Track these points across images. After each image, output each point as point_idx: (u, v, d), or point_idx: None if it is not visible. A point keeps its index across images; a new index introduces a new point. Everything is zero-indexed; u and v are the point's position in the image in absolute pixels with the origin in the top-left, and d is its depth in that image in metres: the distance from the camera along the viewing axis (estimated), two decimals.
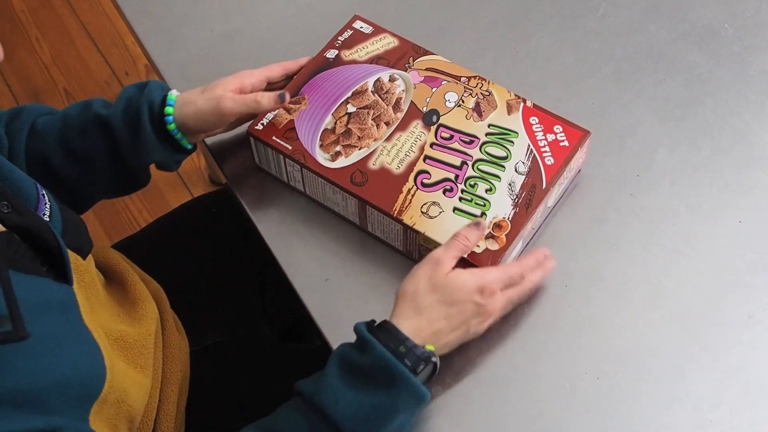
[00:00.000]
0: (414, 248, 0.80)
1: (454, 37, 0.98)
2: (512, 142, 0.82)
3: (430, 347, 0.70)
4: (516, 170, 0.80)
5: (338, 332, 0.78)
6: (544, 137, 0.82)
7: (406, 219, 0.78)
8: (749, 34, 0.97)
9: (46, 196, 0.72)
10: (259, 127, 0.85)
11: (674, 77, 0.93)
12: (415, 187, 0.80)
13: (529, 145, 0.82)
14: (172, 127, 0.82)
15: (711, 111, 0.91)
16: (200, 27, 1.00)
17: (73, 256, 0.70)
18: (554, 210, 0.84)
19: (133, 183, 0.88)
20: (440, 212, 0.78)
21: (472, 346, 0.77)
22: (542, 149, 0.81)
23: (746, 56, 0.95)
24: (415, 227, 0.78)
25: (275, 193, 0.88)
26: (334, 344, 0.77)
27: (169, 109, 0.81)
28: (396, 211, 0.78)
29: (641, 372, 0.75)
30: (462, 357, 0.76)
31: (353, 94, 0.86)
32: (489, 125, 0.83)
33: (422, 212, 0.78)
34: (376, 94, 0.86)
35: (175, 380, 0.85)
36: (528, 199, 0.78)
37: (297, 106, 0.86)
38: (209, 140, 0.93)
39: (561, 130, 0.82)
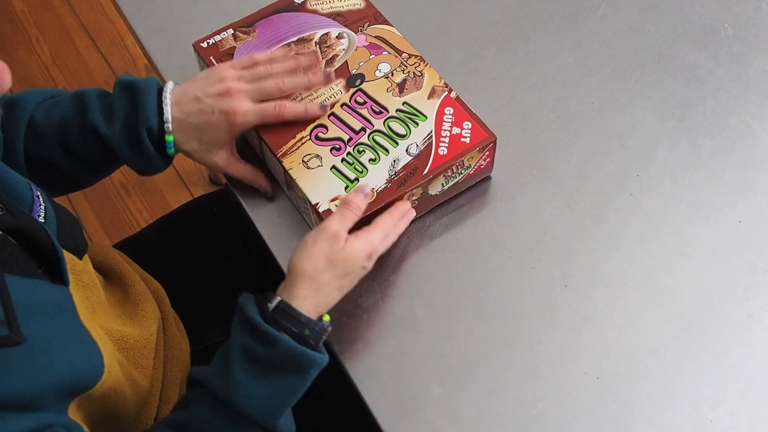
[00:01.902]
0: (293, 196, 0.83)
1: (454, 37, 0.98)
2: (417, 124, 0.83)
3: (326, 318, 0.73)
4: (407, 150, 0.81)
5: (337, 331, 0.78)
6: (449, 129, 0.82)
7: (286, 162, 0.81)
8: (749, 34, 0.97)
9: (41, 197, 0.71)
10: (204, 44, 0.90)
11: (674, 77, 0.93)
12: (308, 137, 0.82)
13: (431, 132, 0.82)
14: (171, 152, 0.82)
15: (711, 111, 0.91)
16: (200, 27, 0.99)
17: (69, 257, 0.70)
18: (553, 209, 0.84)
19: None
20: (318, 166, 0.81)
21: (472, 346, 0.77)
22: (442, 138, 0.81)
23: (746, 56, 0.95)
24: (290, 172, 0.80)
25: (275, 192, 0.88)
26: (333, 344, 0.77)
27: (170, 138, 0.80)
28: (281, 153, 0.81)
29: (641, 372, 0.75)
30: (462, 357, 0.76)
31: (298, 40, 0.89)
32: (404, 103, 0.84)
33: (303, 161, 0.81)
34: (317, 46, 0.89)
35: (176, 380, 0.85)
36: (404, 179, 0.79)
37: (245, 36, 0.90)
38: None
39: (469, 127, 0.82)
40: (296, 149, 0.82)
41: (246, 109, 0.79)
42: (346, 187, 0.79)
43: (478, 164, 0.83)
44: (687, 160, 0.87)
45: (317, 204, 0.79)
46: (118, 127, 0.79)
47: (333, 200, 0.79)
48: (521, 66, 0.96)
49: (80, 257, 0.73)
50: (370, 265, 0.75)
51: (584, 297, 0.79)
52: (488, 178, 0.87)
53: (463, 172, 0.82)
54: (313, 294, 0.72)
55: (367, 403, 0.75)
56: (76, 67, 2.01)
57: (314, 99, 0.85)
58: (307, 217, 0.83)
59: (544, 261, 0.81)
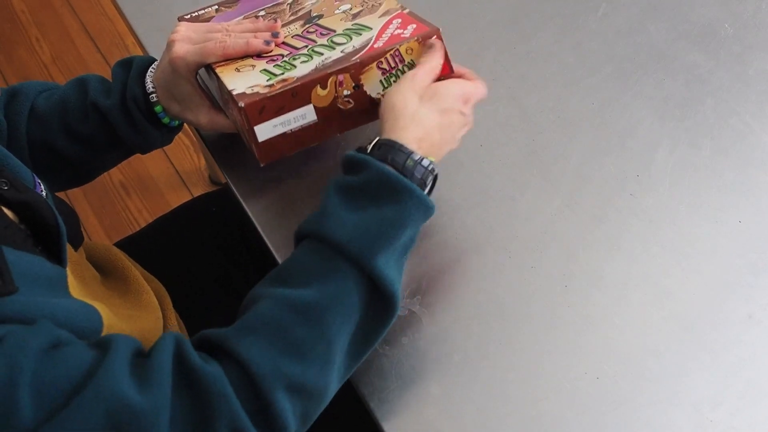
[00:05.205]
0: (232, 116, 0.79)
1: (454, 37, 0.98)
2: (360, 34, 0.78)
3: (431, 158, 0.68)
4: (342, 52, 0.76)
5: None
6: (392, 31, 0.78)
7: (219, 70, 0.77)
8: (749, 34, 0.97)
9: (41, 184, 0.72)
10: (187, 16, 0.90)
11: (674, 77, 0.94)
12: (250, 58, 0.79)
13: (372, 37, 0.77)
14: (166, 120, 0.84)
15: (711, 111, 0.91)
16: None
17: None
18: (553, 209, 0.84)
19: (137, 153, 0.90)
20: (249, 70, 0.77)
21: (472, 346, 0.77)
22: (381, 38, 0.77)
23: (746, 56, 0.95)
24: (219, 74, 0.77)
25: (275, 192, 0.88)
26: None
27: (158, 108, 0.83)
28: (217, 66, 0.78)
29: (641, 372, 0.75)
30: (462, 357, 0.76)
31: (273, 5, 0.88)
32: (353, 24, 0.80)
33: (236, 69, 0.77)
34: (289, 6, 0.87)
35: None
36: (331, 66, 0.74)
37: (226, 8, 0.89)
38: (209, 139, 0.93)
39: (413, 28, 0.77)
40: (232, 63, 0.79)
41: (185, 51, 0.78)
42: (268, 79, 0.74)
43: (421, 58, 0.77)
44: (687, 160, 0.87)
45: (233, 90, 0.74)
46: (115, 100, 0.81)
47: (251, 87, 0.74)
48: (521, 66, 0.96)
49: (75, 248, 0.74)
50: (468, 111, 0.72)
51: (584, 297, 0.79)
52: None
53: (406, 71, 0.76)
54: (410, 125, 0.68)
55: (367, 402, 0.75)
56: (76, 67, 2.02)
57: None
58: (241, 129, 0.78)
59: (544, 261, 0.81)
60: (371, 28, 0.79)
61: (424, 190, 0.67)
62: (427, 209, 0.66)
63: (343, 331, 0.63)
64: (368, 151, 0.68)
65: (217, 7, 0.91)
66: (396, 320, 0.78)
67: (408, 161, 0.66)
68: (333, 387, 0.64)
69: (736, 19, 0.98)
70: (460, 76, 0.76)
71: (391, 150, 0.66)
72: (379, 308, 0.65)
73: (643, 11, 0.99)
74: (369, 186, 0.65)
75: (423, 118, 0.69)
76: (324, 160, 0.90)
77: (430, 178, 0.67)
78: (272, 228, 0.86)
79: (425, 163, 0.67)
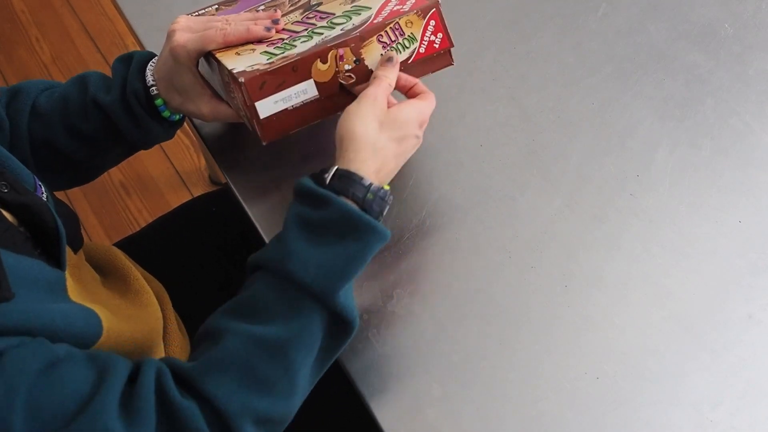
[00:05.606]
0: (233, 101, 0.79)
1: (454, 37, 0.98)
2: (360, 14, 0.79)
3: (386, 187, 0.70)
4: (342, 30, 0.76)
5: None
6: (390, 7, 0.78)
7: (218, 54, 0.77)
8: (749, 34, 0.97)
9: (42, 186, 0.72)
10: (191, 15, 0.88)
11: (674, 77, 0.94)
12: (250, 44, 0.79)
13: (371, 15, 0.77)
14: (166, 114, 0.83)
15: (711, 111, 0.91)
16: None
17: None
18: (553, 209, 0.84)
19: (139, 149, 0.89)
20: (249, 53, 0.76)
21: (472, 346, 0.77)
22: (380, 14, 0.77)
23: (746, 56, 0.95)
24: (217, 55, 0.77)
25: (275, 192, 0.88)
26: None
27: (159, 101, 0.82)
28: (217, 52, 0.78)
29: (641, 372, 0.75)
30: (462, 357, 0.76)
31: (272, 0, 0.87)
32: (352, 6, 0.80)
33: (236, 53, 0.77)
34: (288, 0, 0.86)
35: None
36: (332, 41, 0.75)
37: (226, 7, 0.88)
38: (209, 139, 0.93)
39: (413, 2, 0.77)
40: (233, 48, 0.78)
41: (186, 39, 0.78)
42: (268, 59, 0.74)
43: (428, 39, 0.78)
44: (687, 160, 0.87)
45: (233, 69, 0.74)
46: (115, 95, 0.81)
47: (251, 66, 0.74)
48: (521, 66, 0.96)
49: (75, 251, 0.74)
50: (421, 134, 0.73)
51: (584, 297, 0.79)
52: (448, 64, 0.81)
53: (407, 45, 0.77)
54: (371, 157, 0.68)
55: (367, 403, 0.75)
56: (76, 67, 2.02)
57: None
58: (243, 111, 0.78)
59: (544, 261, 0.81)
60: (370, 8, 0.79)
61: (380, 219, 0.69)
62: (385, 239, 0.68)
63: (307, 361, 0.65)
64: (327, 181, 0.68)
65: (217, 6, 0.91)
66: (396, 320, 0.79)
67: (368, 195, 0.67)
68: (297, 407, 0.67)
69: (736, 19, 0.98)
70: (409, 89, 0.77)
71: (352, 183, 0.67)
72: (339, 334, 0.68)
73: (643, 11, 0.99)
74: (331, 223, 0.66)
75: (382, 148, 0.69)
76: (324, 159, 0.90)
77: (387, 207, 0.69)
78: (272, 228, 0.86)
79: (382, 193, 0.68)
